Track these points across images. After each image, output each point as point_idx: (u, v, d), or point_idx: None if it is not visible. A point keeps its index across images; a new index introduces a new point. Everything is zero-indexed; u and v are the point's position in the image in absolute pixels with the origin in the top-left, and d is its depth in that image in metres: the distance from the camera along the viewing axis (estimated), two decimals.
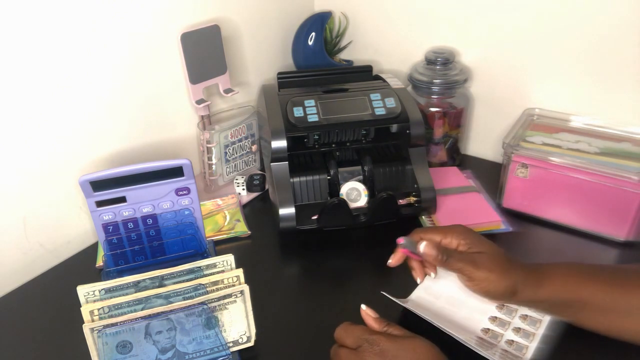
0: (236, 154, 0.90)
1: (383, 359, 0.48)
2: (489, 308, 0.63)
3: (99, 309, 0.51)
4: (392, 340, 0.49)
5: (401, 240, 0.59)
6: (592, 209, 0.75)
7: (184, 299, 0.53)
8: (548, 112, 0.87)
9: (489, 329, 0.60)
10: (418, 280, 0.63)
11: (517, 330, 0.59)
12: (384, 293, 0.62)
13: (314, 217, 0.77)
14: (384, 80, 0.88)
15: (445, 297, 0.64)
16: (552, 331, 0.59)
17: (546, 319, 0.60)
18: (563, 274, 0.56)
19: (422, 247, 0.56)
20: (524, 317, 0.61)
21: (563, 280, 0.55)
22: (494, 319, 0.61)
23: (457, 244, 0.58)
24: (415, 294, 0.65)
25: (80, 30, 0.70)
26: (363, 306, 0.55)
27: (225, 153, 0.88)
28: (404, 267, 0.68)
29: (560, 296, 0.55)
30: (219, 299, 0.54)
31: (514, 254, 0.70)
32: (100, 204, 0.54)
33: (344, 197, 0.77)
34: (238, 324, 0.57)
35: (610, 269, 0.60)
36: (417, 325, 0.55)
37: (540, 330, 0.59)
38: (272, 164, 0.78)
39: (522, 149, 0.78)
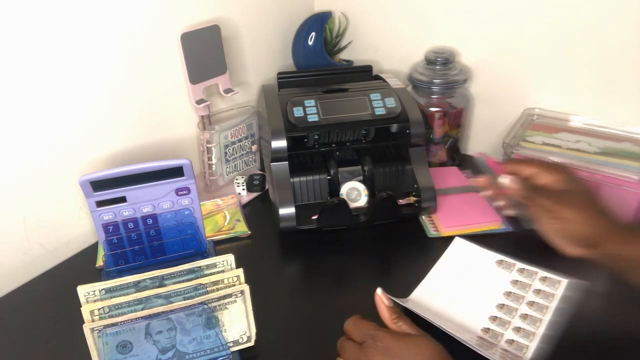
0: (236, 154, 0.90)
1: (386, 356, 0.47)
2: (489, 307, 0.63)
3: (99, 309, 0.51)
4: (397, 339, 0.49)
5: (481, 155, 0.55)
6: None
7: (184, 298, 0.53)
8: (548, 112, 0.87)
9: (489, 329, 0.60)
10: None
11: (518, 329, 0.60)
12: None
13: (314, 217, 0.77)
14: (384, 80, 0.88)
15: (446, 296, 0.64)
16: (552, 331, 0.59)
17: (546, 319, 0.60)
18: None
19: (506, 180, 0.52)
20: (524, 317, 0.61)
21: None
22: (494, 318, 0.61)
23: (551, 180, 0.53)
24: (415, 294, 0.65)
25: (80, 30, 0.70)
26: (378, 290, 0.53)
27: (225, 153, 0.88)
28: (404, 268, 0.68)
29: None
30: (219, 298, 0.54)
31: (514, 254, 0.70)
32: (100, 204, 0.54)
33: (344, 197, 0.77)
34: (238, 323, 0.57)
35: None
36: (418, 325, 0.55)
37: (541, 330, 0.59)
38: (272, 164, 0.78)
39: (522, 148, 0.78)
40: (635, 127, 0.79)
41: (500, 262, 0.69)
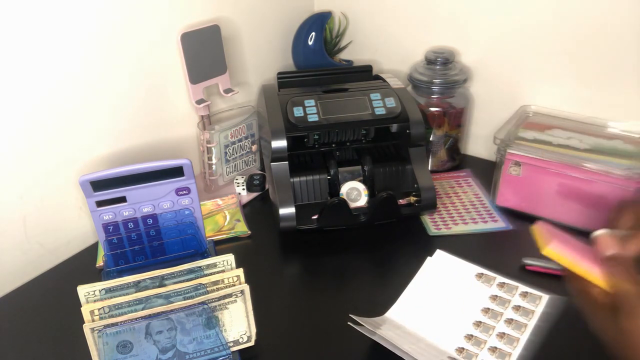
0: (236, 154, 0.90)
1: None
2: (466, 325, 0.61)
3: (99, 309, 0.51)
4: None
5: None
6: (585, 206, 0.74)
7: (184, 298, 0.53)
8: (542, 108, 0.87)
9: (463, 348, 0.58)
10: None
11: (493, 350, 0.58)
12: (352, 316, 0.59)
13: (314, 217, 0.77)
14: (384, 80, 0.88)
15: (422, 313, 0.62)
16: (529, 351, 0.57)
17: (524, 338, 0.58)
18: None
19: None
20: (501, 336, 0.59)
21: None
22: (469, 337, 0.60)
23: None
24: (392, 311, 0.63)
25: (80, 30, 0.70)
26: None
27: (225, 153, 0.88)
28: (405, 268, 0.68)
29: None
30: (219, 298, 0.54)
31: (510, 252, 0.69)
32: (100, 204, 0.54)
33: (344, 196, 0.77)
34: (238, 323, 0.57)
35: None
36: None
37: (517, 350, 0.57)
38: (272, 163, 0.78)
39: (514, 146, 0.77)
40: (627, 125, 0.80)
41: (480, 276, 0.67)
